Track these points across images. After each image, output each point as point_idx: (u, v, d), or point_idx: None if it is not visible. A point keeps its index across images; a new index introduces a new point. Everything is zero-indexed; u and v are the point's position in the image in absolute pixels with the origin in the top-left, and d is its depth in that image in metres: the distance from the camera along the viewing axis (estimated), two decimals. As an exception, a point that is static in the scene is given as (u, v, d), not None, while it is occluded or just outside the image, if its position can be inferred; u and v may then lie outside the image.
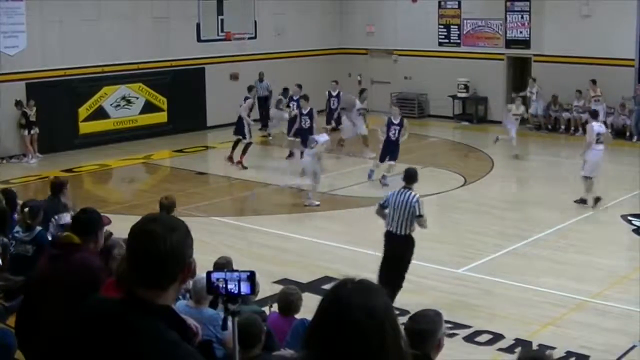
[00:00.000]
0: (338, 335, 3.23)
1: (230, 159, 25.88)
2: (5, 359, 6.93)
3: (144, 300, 3.76)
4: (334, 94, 29.61)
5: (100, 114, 29.85)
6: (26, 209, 11.97)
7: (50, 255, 7.74)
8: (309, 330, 3.37)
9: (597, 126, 21.13)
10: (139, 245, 3.80)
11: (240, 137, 25.74)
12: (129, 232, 3.81)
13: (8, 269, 10.33)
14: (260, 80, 32.55)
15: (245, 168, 25.33)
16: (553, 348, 11.97)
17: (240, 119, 25.80)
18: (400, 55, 36.42)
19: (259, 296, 11.23)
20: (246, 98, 26.49)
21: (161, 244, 3.72)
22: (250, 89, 27.47)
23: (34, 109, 26.87)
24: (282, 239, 18.46)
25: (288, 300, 9.86)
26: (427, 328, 6.65)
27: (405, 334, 6.57)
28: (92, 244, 7.71)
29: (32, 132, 26.85)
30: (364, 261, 16.58)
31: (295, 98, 28.00)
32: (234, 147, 25.91)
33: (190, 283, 8.48)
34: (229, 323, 5.95)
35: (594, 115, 22.51)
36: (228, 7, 33.09)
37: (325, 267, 15.98)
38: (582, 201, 20.75)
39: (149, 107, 31.18)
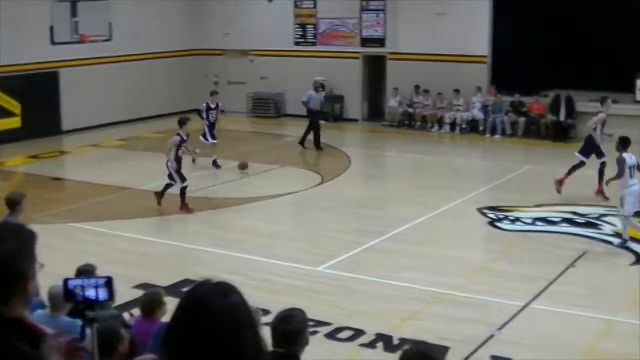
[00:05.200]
0: (195, 336, 3.19)
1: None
2: None
3: None
4: (213, 106, 26.23)
5: (-52, 120, 29.00)
6: None
7: None
8: (166, 332, 3.33)
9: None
10: None
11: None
12: None
13: None
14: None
15: None
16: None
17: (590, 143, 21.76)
18: (256, 55, 36.43)
19: (119, 301, 11.06)
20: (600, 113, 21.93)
21: None
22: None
23: None
24: (142, 243, 18.20)
25: (145, 303, 9.76)
26: (296, 329, 6.70)
27: (274, 334, 6.65)
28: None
29: None
30: (223, 263, 16.54)
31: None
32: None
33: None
34: (88, 331, 5.84)
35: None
36: (83, 10, 32.49)
37: (185, 270, 15.81)
38: None
39: (1, 113, 30.38)
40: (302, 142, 28.84)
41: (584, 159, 21.77)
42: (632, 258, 16.80)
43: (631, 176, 17.58)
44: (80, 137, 30.01)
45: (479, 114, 31.49)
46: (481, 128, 31.43)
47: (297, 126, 31.63)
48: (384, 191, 24.11)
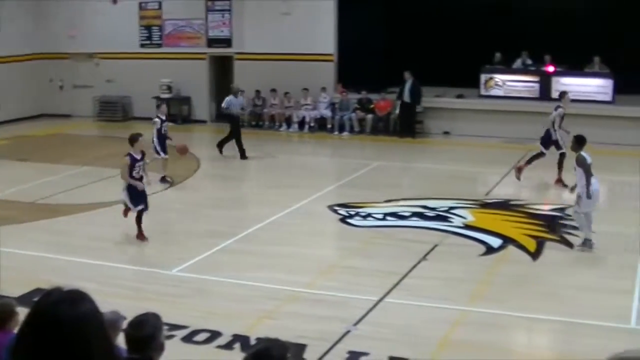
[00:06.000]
0: (43, 346, 3.11)
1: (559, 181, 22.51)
2: None
3: None
4: (164, 117, 24.75)
5: None
6: None
7: None
8: (14, 343, 3.24)
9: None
10: None
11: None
12: None
13: None
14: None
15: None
16: (271, 341, 12.02)
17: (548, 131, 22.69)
18: (101, 58, 35.90)
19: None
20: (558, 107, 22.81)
21: None
22: None
23: None
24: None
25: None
26: (148, 333, 6.64)
27: (126, 340, 6.57)
28: None
29: None
30: (75, 270, 16.20)
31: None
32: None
33: None
34: None
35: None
36: None
37: (36, 278, 15.39)
38: None
39: None
40: (220, 146, 27.81)
41: (543, 150, 22.68)
42: (482, 248, 17.15)
43: (590, 174, 16.87)
44: None
45: (326, 112, 31.76)
46: (329, 126, 31.76)
47: (145, 129, 31.28)
48: (234, 192, 24.06)
